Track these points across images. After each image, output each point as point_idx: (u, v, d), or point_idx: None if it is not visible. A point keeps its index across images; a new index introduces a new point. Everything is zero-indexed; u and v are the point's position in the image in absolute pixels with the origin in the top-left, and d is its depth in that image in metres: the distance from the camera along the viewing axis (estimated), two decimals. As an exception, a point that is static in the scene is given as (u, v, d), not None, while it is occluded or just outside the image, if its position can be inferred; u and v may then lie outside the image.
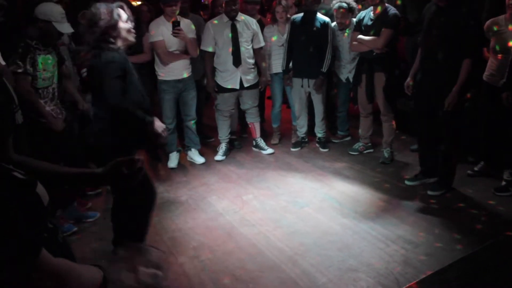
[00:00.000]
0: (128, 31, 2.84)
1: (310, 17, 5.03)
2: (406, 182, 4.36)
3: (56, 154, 3.51)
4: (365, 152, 5.21)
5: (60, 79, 3.72)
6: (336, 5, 5.00)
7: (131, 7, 4.78)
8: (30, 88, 3.35)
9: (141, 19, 5.03)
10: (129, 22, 2.84)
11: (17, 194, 1.04)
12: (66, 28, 3.49)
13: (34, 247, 0.98)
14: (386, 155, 4.90)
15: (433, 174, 4.27)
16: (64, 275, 1.03)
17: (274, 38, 5.33)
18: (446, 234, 3.43)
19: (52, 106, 3.55)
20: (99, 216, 3.98)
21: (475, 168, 4.43)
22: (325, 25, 5.03)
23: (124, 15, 2.80)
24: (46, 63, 3.45)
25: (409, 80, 4.28)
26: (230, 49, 4.96)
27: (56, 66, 3.59)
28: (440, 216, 3.72)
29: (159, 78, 4.87)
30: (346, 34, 5.09)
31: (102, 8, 2.73)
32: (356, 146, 5.26)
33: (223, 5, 5.09)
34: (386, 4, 4.55)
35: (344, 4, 4.94)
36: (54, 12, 3.41)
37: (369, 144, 5.23)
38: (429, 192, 4.09)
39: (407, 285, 2.84)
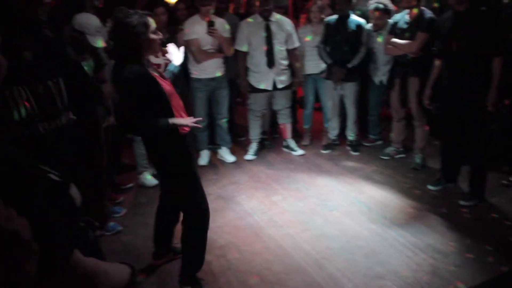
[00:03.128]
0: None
1: (343, 19, 5.00)
2: (428, 187, 4.32)
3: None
4: (396, 157, 5.14)
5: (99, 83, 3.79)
6: (372, 6, 4.94)
7: (167, 5, 4.88)
8: None
9: (177, 16, 5.12)
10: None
11: (52, 195, 1.08)
12: (98, 42, 3.51)
13: (68, 247, 1.01)
14: (418, 160, 4.82)
15: (454, 179, 4.27)
16: (94, 275, 1.07)
17: (308, 38, 5.31)
18: (478, 245, 3.35)
19: None
20: (125, 212, 4.07)
21: (510, 178, 4.32)
22: (359, 27, 4.99)
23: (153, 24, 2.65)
24: None
25: (428, 93, 4.25)
26: (264, 49, 4.98)
27: (92, 72, 3.62)
28: (472, 226, 3.64)
29: (192, 76, 4.93)
30: (379, 39, 5.02)
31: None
32: (387, 150, 5.20)
33: (257, 4, 5.12)
34: (422, 8, 4.47)
35: (381, 6, 4.88)
36: (89, 25, 3.45)
37: (401, 149, 5.16)
38: (461, 202, 3.99)
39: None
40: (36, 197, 1.00)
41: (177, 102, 2.75)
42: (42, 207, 1.01)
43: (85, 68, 3.53)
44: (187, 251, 2.94)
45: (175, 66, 3.08)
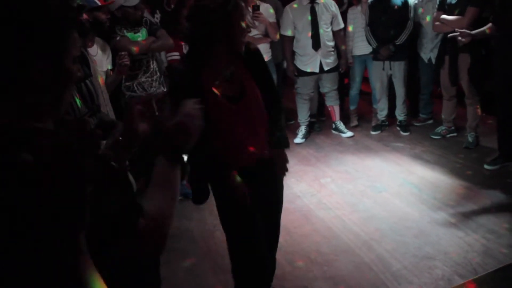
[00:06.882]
0: None
1: (387, -3, 4.93)
2: (485, 166, 4.19)
3: None
4: (447, 136, 5.03)
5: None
6: None
7: None
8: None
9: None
10: None
11: (115, 180, 1.18)
12: (131, 0, 3.55)
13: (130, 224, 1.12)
14: (470, 139, 4.70)
15: None
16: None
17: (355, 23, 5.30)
18: (533, 225, 3.26)
19: (144, 78, 3.62)
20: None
21: None
22: (405, 2, 4.91)
23: None
24: (134, 38, 3.61)
25: None
26: (310, 33, 4.99)
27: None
28: (528, 206, 3.54)
29: (240, 62, 5.02)
30: (428, 19, 4.91)
31: None
32: (438, 129, 5.09)
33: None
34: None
35: None
36: None
37: (452, 128, 5.04)
38: None
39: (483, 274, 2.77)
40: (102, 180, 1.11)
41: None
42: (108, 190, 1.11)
43: (140, 37, 3.64)
44: None
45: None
